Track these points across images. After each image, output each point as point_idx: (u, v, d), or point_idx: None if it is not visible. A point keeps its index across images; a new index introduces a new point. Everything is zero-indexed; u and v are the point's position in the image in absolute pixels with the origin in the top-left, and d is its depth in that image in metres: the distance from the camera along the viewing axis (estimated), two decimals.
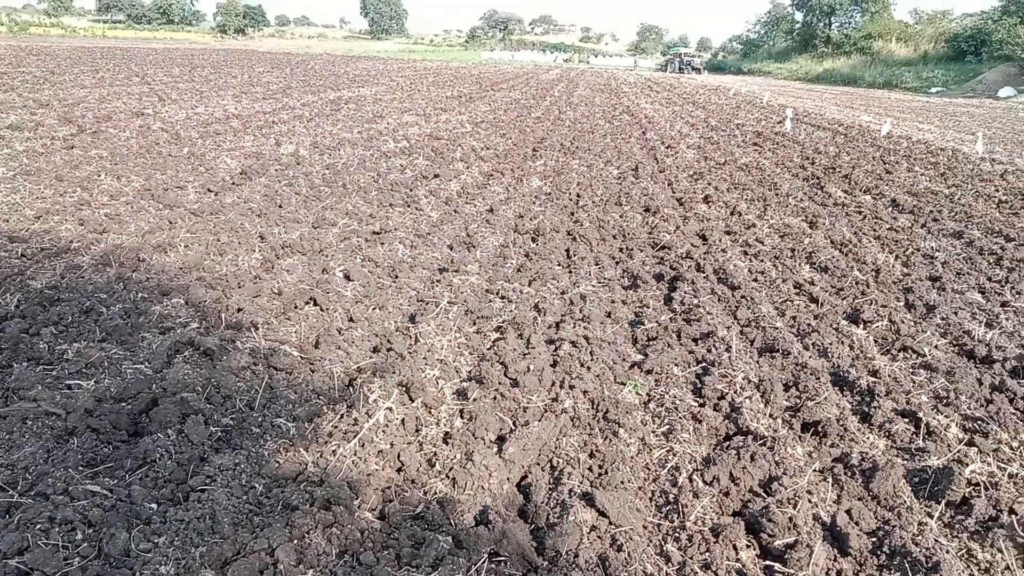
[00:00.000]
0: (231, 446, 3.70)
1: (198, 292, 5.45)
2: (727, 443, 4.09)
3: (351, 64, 51.10)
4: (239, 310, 5.31)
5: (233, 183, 9.42)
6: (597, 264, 7.30)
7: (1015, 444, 4.20)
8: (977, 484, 3.75)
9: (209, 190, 8.88)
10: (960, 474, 3.74)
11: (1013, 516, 3.48)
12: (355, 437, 3.70)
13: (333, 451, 3.60)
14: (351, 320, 5.39)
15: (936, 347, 5.55)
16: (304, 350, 4.79)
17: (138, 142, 11.79)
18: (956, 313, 6.22)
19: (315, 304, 5.61)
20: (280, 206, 8.38)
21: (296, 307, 5.56)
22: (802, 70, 74.00)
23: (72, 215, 7.23)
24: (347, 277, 6.21)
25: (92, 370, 4.30)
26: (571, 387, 4.46)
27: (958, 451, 4.06)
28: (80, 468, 3.37)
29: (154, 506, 3.16)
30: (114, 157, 10.31)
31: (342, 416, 3.93)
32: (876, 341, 5.72)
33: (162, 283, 5.65)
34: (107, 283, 5.62)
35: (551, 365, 4.81)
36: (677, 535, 3.33)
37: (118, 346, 4.65)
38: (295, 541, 2.91)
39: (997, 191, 12.10)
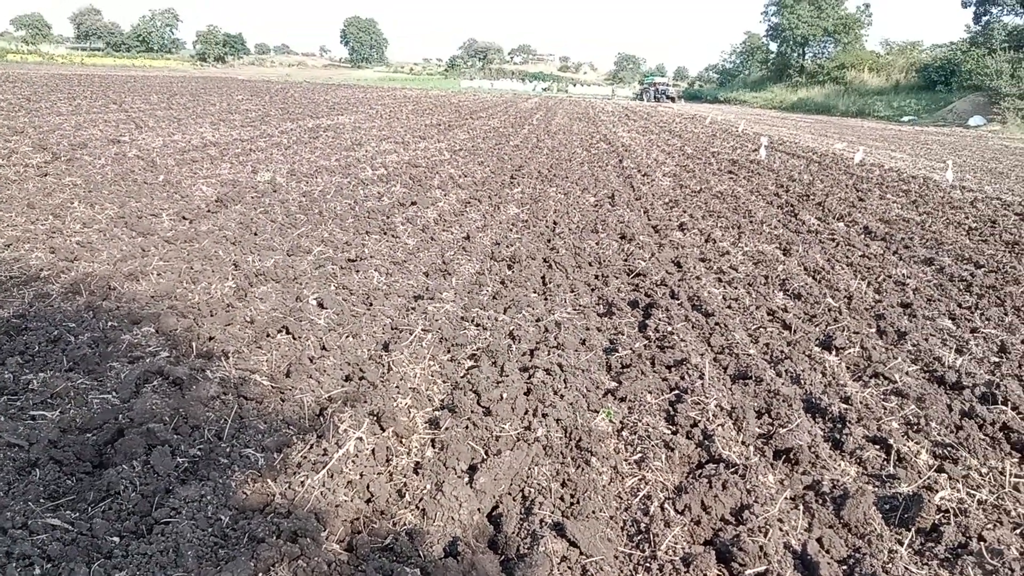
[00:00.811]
0: (198, 477, 3.64)
1: (169, 321, 5.39)
2: (699, 471, 4.09)
3: (331, 92, 51.26)
4: (210, 339, 5.26)
5: (208, 211, 9.37)
6: (573, 291, 7.31)
7: (984, 470, 4.23)
8: (947, 511, 3.77)
9: (184, 218, 8.84)
10: (930, 501, 3.76)
11: (982, 543, 3.49)
12: (324, 468, 3.66)
13: (301, 482, 3.55)
14: (323, 348, 5.36)
15: (907, 373, 5.60)
16: (275, 379, 4.74)
17: (113, 169, 11.72)
18: (927, 339, 6.28)
19: (287, 332, 5.57)
20: (255, 234, 8.35)
21: (268, 336, 5.52)
22: (777, 99, 75.21)
23: (43, 243, 7.16)
24: (321, 305, 6.18)
25: (57, 400, 4.23)
26: (544, 415, 4.45)
27: (928, 478, 4.08)
28: (41, 501, 3.30)
29: (116, 539, 3.10)
30: (88, 184, 10.24)
31: (311, 446, 3.88)
32: (848, 368, 5.76)
33: (133, 312, 5.59)
34: (76, 312, 5.55)
35: (525, 393, 4.79)
36: (648, 565, 3.31)
37: (85, 376, 4.58)
38: (260, 574, 2.86)
39: (967, 218, 12.31)
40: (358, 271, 7.25)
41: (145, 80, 50.57)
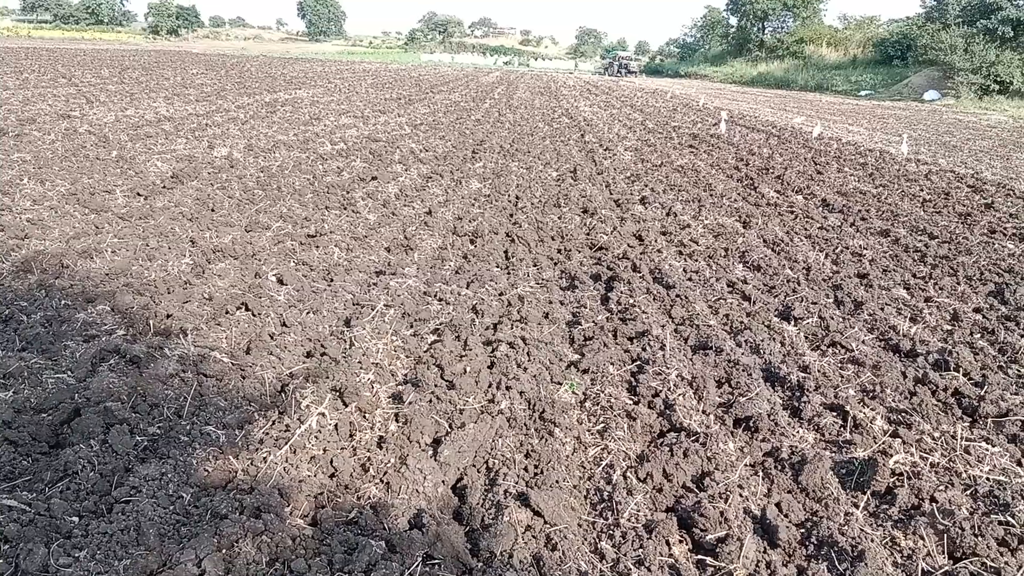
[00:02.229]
0: (158, 455, 3.60)
1: (125, 298, 5.29)
2: (661, 440, 4.15)
3: (288, 66, 50.39)
4: (168, 316, 5.18)
5: (164, 187, 9.19)
6: (535, 265, 7.32)
7: (937, 435, 4.33)
8: (901, 474, 3.87)
9: (138, 194, 8.65)
10: (885, 465, 3.85)
11: (934, 504, 3.59)
12: (286, 443, 3.63)
13: (264, 458, 3.53)
14: (284, 325, 5.30)
15: (863, 342, 5.71)
16: (235, 356, 4.68)
17: (64, 145, 11.41)
18: (882, 309, 6.40)
19: (247, 309, 5.50)
20: (212, 210, 8.21)
21: (227, 312, 5.45)
22: (737, 73, 75.59)
23: None
24: (280, 281, 6.11)
25: (10, 380, 4.13)
26: (508, 388, 4.46)
27: (883, 443, 4.18)
28: None
29: (75, 519, 3.05)
30: (38, 161, 9.96)
31: (273, 423, 3.86)
32: (806, 337, 5.85)
33: (87, 290, 5.47)
34: (28, 290, 5.42)
35: (488, 367, 4.80)
36: (611, 532, 3.35)
37: (39, 355, 4.48)
38: (224, 551, 2.84)
39: (922, 191, 12.53)
40: (318, 247, 7.17)
41: (95, 53, 49.22)
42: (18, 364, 4.26)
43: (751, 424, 4.37)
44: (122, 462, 3.46)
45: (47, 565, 2.74)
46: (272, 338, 5.05)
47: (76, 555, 2.80)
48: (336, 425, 3.95)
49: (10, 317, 4.93)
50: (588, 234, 8.75)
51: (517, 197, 10.47)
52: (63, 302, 5.24)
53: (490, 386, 4.54)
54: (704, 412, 4.50)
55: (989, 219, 10.28)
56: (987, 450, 4.15)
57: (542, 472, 3.68)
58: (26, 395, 3.92)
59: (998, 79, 45.41)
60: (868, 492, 3.75)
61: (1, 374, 4.16)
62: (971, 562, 3.20)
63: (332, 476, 3.61)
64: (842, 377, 5.09)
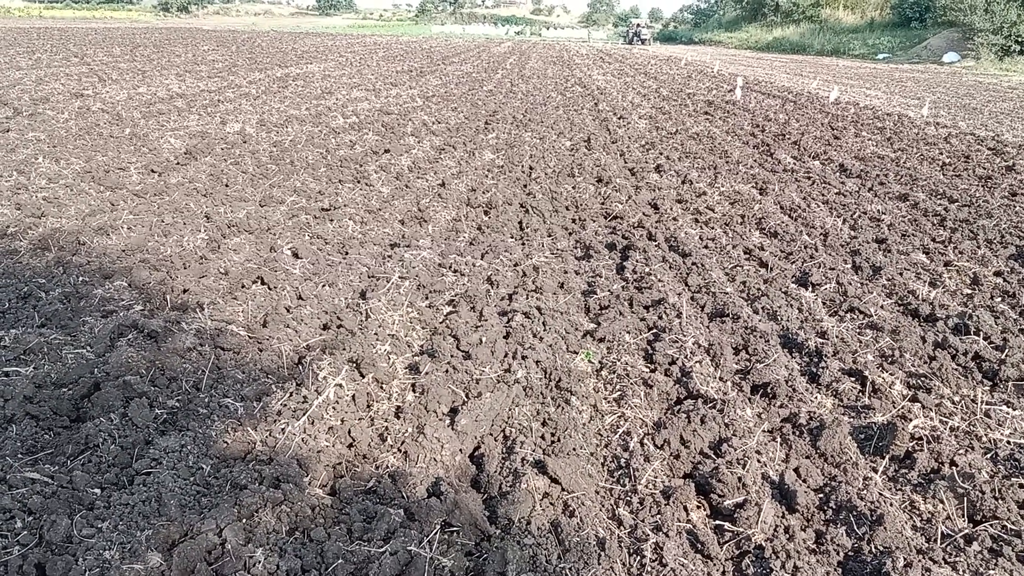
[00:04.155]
0: (177, 428, 3.64)
1: (142, 274, 5.32)
2: (678, 407, 4.13)
3: (299, 40, 50.15)
4: (184, 291, 5.20)
5: (177, 163, 9.20)
6: (550, 235, 7.28)
7: (956, 399, 4.31)
8: (920, 438, 3.85)
9: (152, 171, 8.67)
10: (904, 429, 3.83)
11: (954, 468, 3.57)
12: (304, 415, 3.65)
13: (282, 429, 3.55)
14: (300, 298, 5.31)
15: (882, 307, 5.65)
16: (252, 329, 4.71)
17: (77, 124, 11.45)
18: (901, 274, 6.34)
19: (263, 283, 5.52)
20: (226, 185, 8.22)
21: (243, 286, 5.47)
22: (752, 39, 74.42)
23: (8, 199, 7.00)
24: (295, 255, 6.11)
25: (31, 356, 4.18)
26: (524, 357, 4.45)
27: (902, 407, 4.15)
28: (19, 456, 3.28)
29: (97, 491, 3.10)
30: (52, 139, 10.00)
31: (291, 394, 3.87)
32: (824, 303, 5.81)
33: (104, 266, 5.51)
34: (46, 268, 5.46)
35: (504, 337, 4.79)
36: (629, 499, 3.35)
37: (58, 331, 4.52)
38: (244, 520, 2.87)
39: (941, 154, 12.35)
40: (332, 220, 7.16)
41: (107, 32, 49.18)
42: (38, 340, 4.30)
43: (769, 390, 4.35)
44: (142, 435, 3.49)
45: (71, 536, 2.78)
46: (288, 311, 5.06)
47: (99, 526, 2.84)
48: (353, 396, 3.97)
49: (29, 294, 4.97)
50: (603, 203, 8.69)
51: (531, 167, 10.41)
52: (81, 279, 5.28)
53: (506, 356, 4.54)
54: (721, 379, 4.48)
55: (1010, 182, 10.12)
56: (1008, 414, 4.12)
57: (559, 440, 3.68)
58: (47, 370, 3.95)
59: (1019, 39, 44.42)
60: (887, 457, 3.74)
61: (22, 350, 4.21)
62: (991, 525, 3.18)
63: (350, 446, 3.63)
64: (860, 342, 5.05)
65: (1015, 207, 8.72)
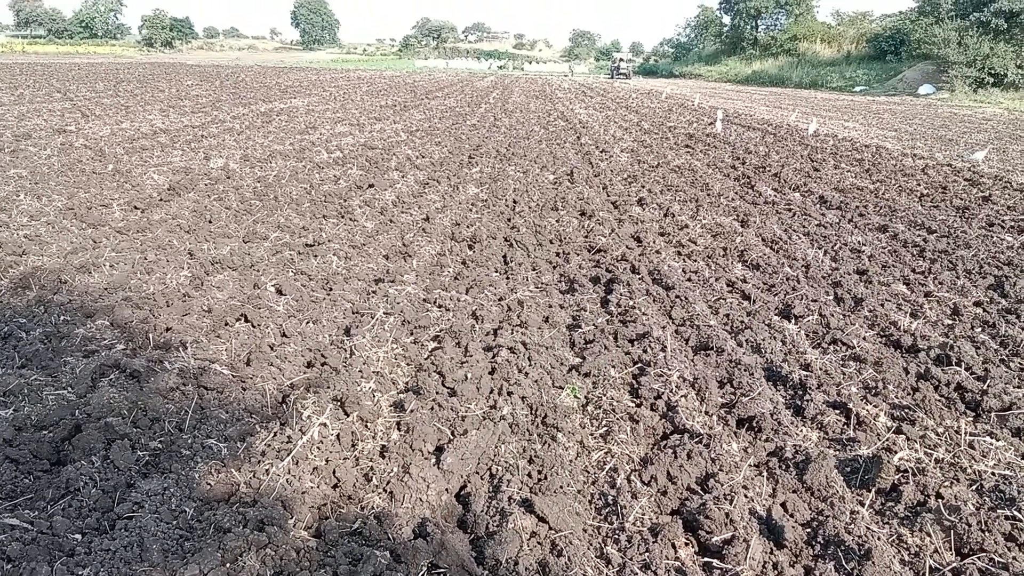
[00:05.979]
0: (160, 470, 3.59)
1: (124, 312, 5.28)
2: (664, 442, 4.13)
3: (283, 75, 50.42)
4: (167, 329, 5.17)
5: (160, 199, 9.18)
6: (534, 269, 7.31)
7: (940, 430, 4.33)
8: (905, 471, 3.86)
9: (135, 207, 8.64)
10: (889, 462, 3.84)
11: (940, 500, 3.59)
12: (288, 455, 3.62)
13: (266, 470, 3.51)
14: (284, 335, 5.29)
15: (864, 339, 5.70)
16: (235, 368, 4.67)
17: (60, 160, 11.42)
18: (883, 305, 6.40)
19: (246, 320, 5.49)
20: (210, 221, 8.20)
21: (227, 324, 5.44)
22: (732, 72, 75.54)
23: None
24: (279, 292, 6.10)
25: (11, 398, 4.12)
26: (509, 394, 4.45)
27: (887, 439, 4.17)
28: None
29: (78, 536, 3.04)
30: (34, 176, 9.96)
31: (275, 434, 3.84)
32: (807, 335, 5.84)
33: (85, 305, 5.47)
34: (26, 306, 5.41)
35: (489, 372, 4.79)
36: (617, 536, 3.34)
37: (39, 372, 4.47)
38: (227, 565, 2.83)
39: (919, 185, 12.53)
40: (316, 256, 7.16)
41: (90, 67, 49.25)
42: (18, 381, 4.25)
43: (754, 424, 4.35)
44: (124, 478, 3.45)
45: None
46: (272, 349, 5.04)
47: (80, 573, 2.79)
48: (338, 435, 3.94)
49: (9, 334, 4.92)
50: (586, 237, 8.74)
51: (515, 201, 10.46)
52: (62, 318, 5.23)
53: (491, 392, 4.53)
54: (707, 413, 4.49)
55: (987, 212, 10.28)
56: (991, 444, 4.15)
57: (546, 478, 3.67)
58: (27, 412, 3.91)
59: (992, 72, 45.38)
60: (873, 490, 3.74)
61: (1, 392, 4.15)
62: (979, 558, 3.19)
63: (335, 487, 3.60)
64: (844, 374, 5.08)
65: (992, 237, 8.85)
